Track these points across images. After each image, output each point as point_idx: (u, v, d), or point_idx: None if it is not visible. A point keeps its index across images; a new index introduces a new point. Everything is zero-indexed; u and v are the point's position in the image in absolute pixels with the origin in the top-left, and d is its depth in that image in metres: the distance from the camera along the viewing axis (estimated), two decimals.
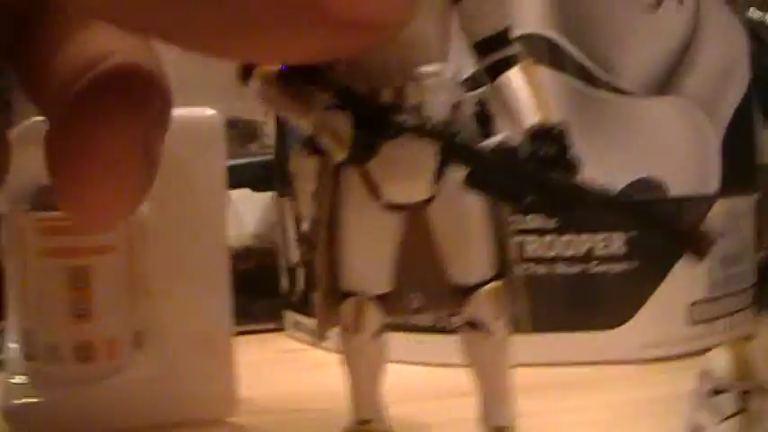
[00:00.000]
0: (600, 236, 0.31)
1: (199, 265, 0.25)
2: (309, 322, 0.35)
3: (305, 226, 0.23)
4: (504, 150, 0.16)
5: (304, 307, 0.36)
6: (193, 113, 0.24)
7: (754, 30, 0.40)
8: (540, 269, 0.31)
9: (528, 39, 0.31)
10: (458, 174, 0.17)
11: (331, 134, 0.17)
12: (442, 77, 0.17)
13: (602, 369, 0.31)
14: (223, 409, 0.25)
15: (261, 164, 0.43)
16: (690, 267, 0.32)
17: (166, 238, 0.25)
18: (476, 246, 0.18)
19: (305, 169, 0.18)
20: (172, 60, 0.16)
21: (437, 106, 0.17)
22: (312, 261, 0.19)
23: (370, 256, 0.18)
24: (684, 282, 0.32)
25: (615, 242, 0.31)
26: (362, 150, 0.17)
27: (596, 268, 0.31)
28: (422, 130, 0.17)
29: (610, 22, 0.32)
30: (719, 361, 0.22)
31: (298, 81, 0.17)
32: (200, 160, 0.24)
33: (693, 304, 0.33)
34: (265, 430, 0.26)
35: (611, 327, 0.32)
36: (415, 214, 0.18)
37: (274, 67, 0.17)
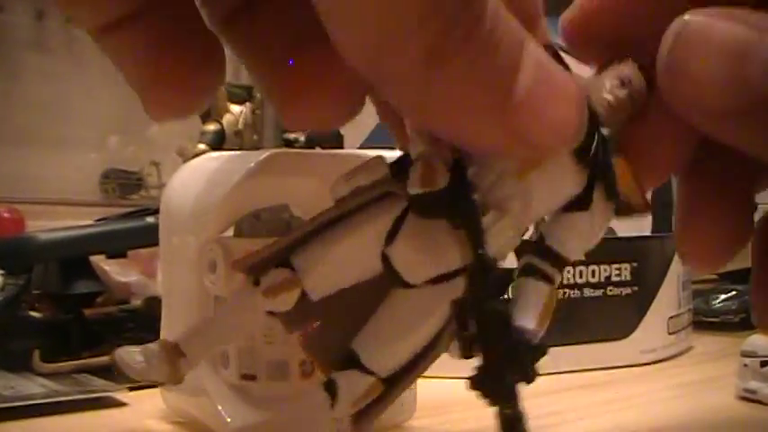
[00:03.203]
0: (614, 266, 0.39)
1: None
2: None
3: None
4: None
5: None
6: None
7: None
8: (574, 293, 0.39)
9: None
10: None
11: None
12: None
13: (614, 372, 0.39)
14: (406, 414, 0.29)
15: None
16: (669, 289, 0.41)
17: None
18: None
19: None
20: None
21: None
22: None
23: None
24: (665, 300, 0.41)
25: (624, 271, 0.40)
26: None
27: (611, 292, 0.39)
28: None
29: None
30: (760, 342, 0.31)
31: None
32: None
33: (671, 318, 0.42)
34: (441, 431, 0.30)
35: (621, 338, 0.40)
36: None
37: None
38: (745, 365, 0.31)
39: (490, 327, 0.17)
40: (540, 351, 0.17)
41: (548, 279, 0.18)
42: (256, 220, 0.27)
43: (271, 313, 0.18)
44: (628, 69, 0.19)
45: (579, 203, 0.18)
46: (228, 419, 0.26)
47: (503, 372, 0.17)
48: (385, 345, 0.17)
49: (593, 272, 0.39)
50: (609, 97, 0.18)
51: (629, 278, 0.40)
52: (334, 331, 0.18)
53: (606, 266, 0.39)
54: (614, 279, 0.39)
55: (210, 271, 0.27)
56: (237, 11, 0.18)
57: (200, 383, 0.27)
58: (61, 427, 0.31)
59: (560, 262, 0.19)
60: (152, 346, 0.18)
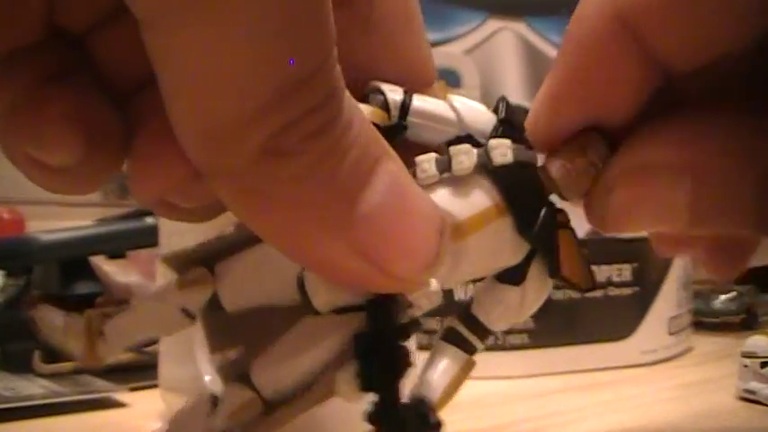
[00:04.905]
0: (615, 266, 0.39)
1: None
2: None
3: None
4: None
5: None
6: None
7: None
8: (575, 294, 0.39)
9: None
10: None
11: None
12: None
13: (614, 373, 0.39)
14: None
15: None
16: (669, 289, 0.41)
17: None
18: None
19: None
20: None
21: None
22: None
23: None
24: (666, 301, 0.41)
25: (624, 271, 0.40)
26: None
27: (612, 292, 0.39)
28: None
29: None
30: (760, 343, 0.31)
31: None
32: None
33: (671, 318, 0.42)
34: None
35: (621, 338, 0.40)
36: None
37: None
38: (746, 366, 0.31)
39: (390, 363, 0.16)
40: (435, 427, 0.17)
41: (467, 348, 0.18)
42: None
43: (186, 314, 0.18)
44: (589, 137, 0.18)
45: (512, 277, 0.18)
46: None
47: (398, 410, 0.17)
48: (273, 363, 0.17)
49: (594, 272, 0.39)
50: (567, 165, 0.18)
51: (629, 279, 0.40)
52: (245, 357, 0.18)
53: (607, 267, 0.39)
54: (615, 280, 0.39)
55: None
56: None
57: (201, 384, 0.27)
58: (61, 427, 0.31)
59: (483, 332, 0.18)
60: (78, 315, 0.17)
